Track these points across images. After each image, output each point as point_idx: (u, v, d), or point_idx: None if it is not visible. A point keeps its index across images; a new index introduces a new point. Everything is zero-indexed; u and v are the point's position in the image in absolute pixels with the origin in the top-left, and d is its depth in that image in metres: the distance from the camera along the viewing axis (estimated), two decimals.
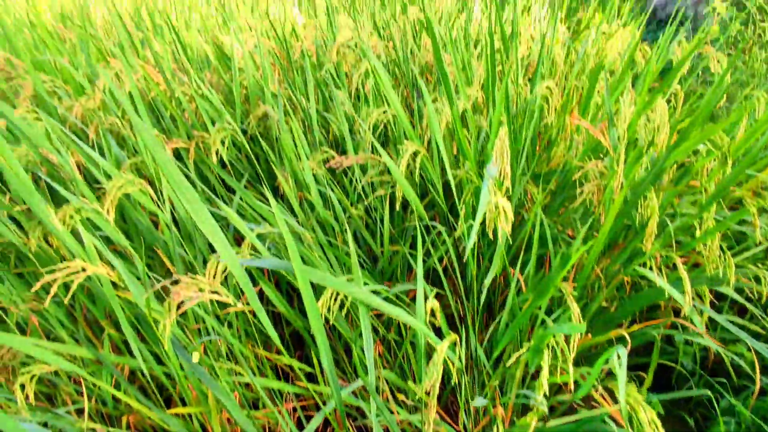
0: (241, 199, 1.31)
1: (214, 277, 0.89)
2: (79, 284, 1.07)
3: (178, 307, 0.68)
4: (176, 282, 0.69)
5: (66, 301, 0.90)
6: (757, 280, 1.12)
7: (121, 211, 1.26)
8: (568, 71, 2.21)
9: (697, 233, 1.06)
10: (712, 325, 1.34)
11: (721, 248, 1.01)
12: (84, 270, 0.77)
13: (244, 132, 1.55)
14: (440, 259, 1.36)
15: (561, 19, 3.40)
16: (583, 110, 1.31)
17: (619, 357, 0.61)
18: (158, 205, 1.10)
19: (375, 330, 1.28)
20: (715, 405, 1.12)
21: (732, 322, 1.29)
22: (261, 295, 1.46)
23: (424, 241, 1.46)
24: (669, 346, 1.40)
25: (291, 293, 1.46)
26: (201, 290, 0.71)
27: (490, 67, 1.35)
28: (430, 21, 1.25)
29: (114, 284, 1.00)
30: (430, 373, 0.65)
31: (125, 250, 1.03)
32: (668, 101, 1.92)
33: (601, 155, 1.24)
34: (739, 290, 1.32)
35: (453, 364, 0.83)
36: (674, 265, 1.02)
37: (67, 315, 1.10)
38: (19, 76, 1.67)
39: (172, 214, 1.26)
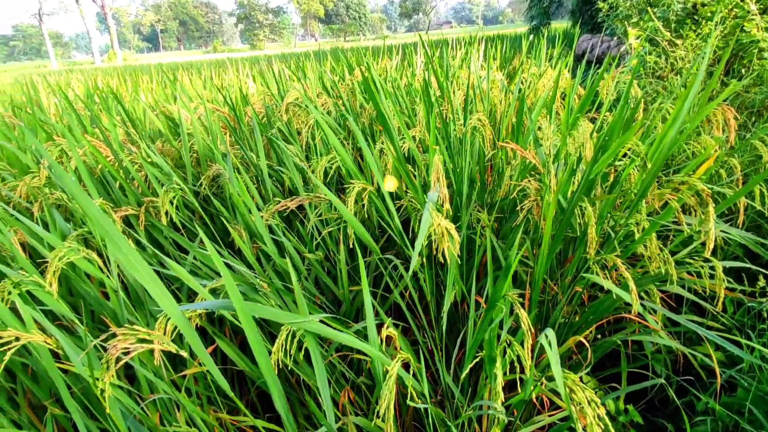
0: (195, 258, 1.30)
1: (164, 335, 0.86)
2: (21, 365, 1.01)
3: (118, 360, 0.65)
4: (114, 336, 0.67)
5: None
6: (699, 275, 1.16)
7: (68, 284, 1.22)
8: (505, 109, 2.36)
9: (636, 236, 1.11)
10: (676, 329, 1.36)
11: (660, 248, 1.06)
12: (18, 339, 0.74)
13: (197, 194, 1.56)
14: (403, 294, 1.36)
15: (496, 68, 3.68)
16: (517, 138, 1.39)
17: (547, 337, 0.61)
18: (106, 273, 1.07)
19: (345, 377, 1.24)
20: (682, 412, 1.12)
21: (693, 321, 1.32)
22: (225, 359, 1.40)
23: (381, 276, 1.46)
24: (642, 356, 1.40)
25: None
26: (142, 342, 0.68)
27: (427, 108, 1.44)
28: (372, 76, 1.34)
29: (57, 357, 0.94)
30: (383, 395, 0.63)
31: (71, 324, 0.99)
32: (601, 126, 2.06)
33: (537, 174, 1.31)
34: (696, 293, 1.36)
35: (413, 388, 0.81)
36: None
37: (9, 401, 1.03)
38: None
39: (122, 281, 1.23)
